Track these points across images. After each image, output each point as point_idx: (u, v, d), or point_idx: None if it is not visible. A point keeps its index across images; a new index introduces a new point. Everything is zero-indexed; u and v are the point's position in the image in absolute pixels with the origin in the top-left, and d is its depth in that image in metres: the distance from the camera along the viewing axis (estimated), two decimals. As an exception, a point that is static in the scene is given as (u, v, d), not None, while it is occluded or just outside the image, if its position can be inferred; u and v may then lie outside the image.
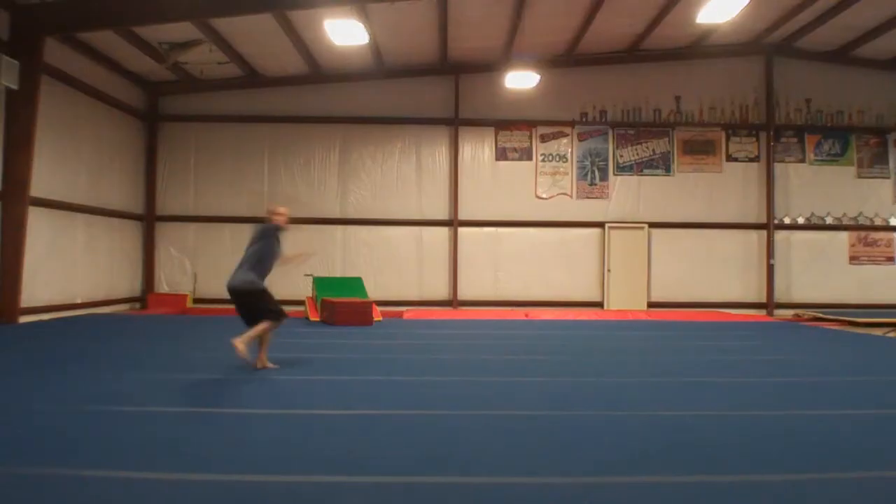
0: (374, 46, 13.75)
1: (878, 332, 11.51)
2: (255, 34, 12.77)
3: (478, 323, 12.36)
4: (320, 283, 12.83)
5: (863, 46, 14.87)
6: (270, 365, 6.51)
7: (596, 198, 15.72)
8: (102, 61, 13.18)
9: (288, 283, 15.06)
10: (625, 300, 15.41)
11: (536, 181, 15.70)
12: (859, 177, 15.95)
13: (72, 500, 3.03)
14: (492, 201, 15.57)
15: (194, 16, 11.45)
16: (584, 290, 15.57)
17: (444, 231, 15.48)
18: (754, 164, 15.84)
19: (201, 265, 15.41)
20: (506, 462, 3.62)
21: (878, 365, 7.75)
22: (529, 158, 15.72)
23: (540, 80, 14.09)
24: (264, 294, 6.49)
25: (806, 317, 14.66)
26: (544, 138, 15.77)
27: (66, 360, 7.08)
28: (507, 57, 14.73)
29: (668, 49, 15.37)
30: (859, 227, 15.89)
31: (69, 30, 11.53)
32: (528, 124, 15.70)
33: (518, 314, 14.01)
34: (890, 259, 15.86)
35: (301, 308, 13.42)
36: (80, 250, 12.94)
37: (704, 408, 5.09)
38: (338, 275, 14.64)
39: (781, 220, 15.76)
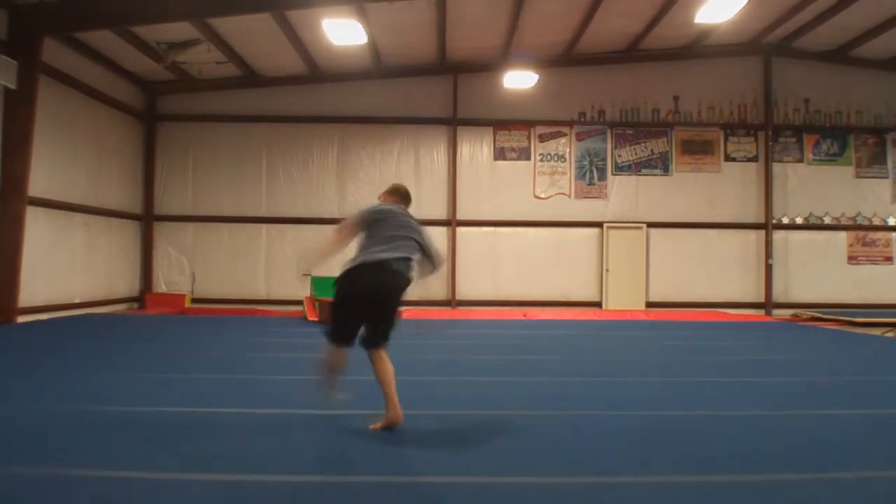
0: (373, 46, 13.74)
1: (876, 331, 11.52)
2: (253, 34, 12.76)
3: (476, 323, 12.35)
4: (318, 283, 12.80)
5: (861, 46, 14.89)
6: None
7: (594, 198, 15.73)
8: (101, 61, 13.16)
9: (286, 283, 15.15)
10: (623, 300, 15.42)
11: (535, 181, 15.70)
12: (857, 177, 15.97)
13: (71, 500, 3.02)
14: (490, 201, 15.56)
15: (192, 16, 11.44)
16: (583, 289, 15.57)
17: (442, 231, 15.46)
18: (753, 164, 15.85)
19: (199, 265, 15.40)
20: (505, 462, 3.62)
21: (877, 365, 7.75)
22: (528, 158, 15.72)
23: (538, 80, 14.11)
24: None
25: (804, 317, 14.67)
26: (543, 138, 15.77)
27: (64, 359, 7.07)
28: (505, 57, 14.74)
29: (666, 49, 15.38)
30: (857, 227, 15.90)
31: (67, 29, 11.51)
32: (527, 124, 15.70)
33: (517, 314, 14.01)
34: (888, 259, 15.88)
35: (299, 308, 13.42)
36: (79, 250, 12.93)
37: (703, 407, 5.09)
38: (336, 275, 14.60)
39: (780, 219, 15.77)
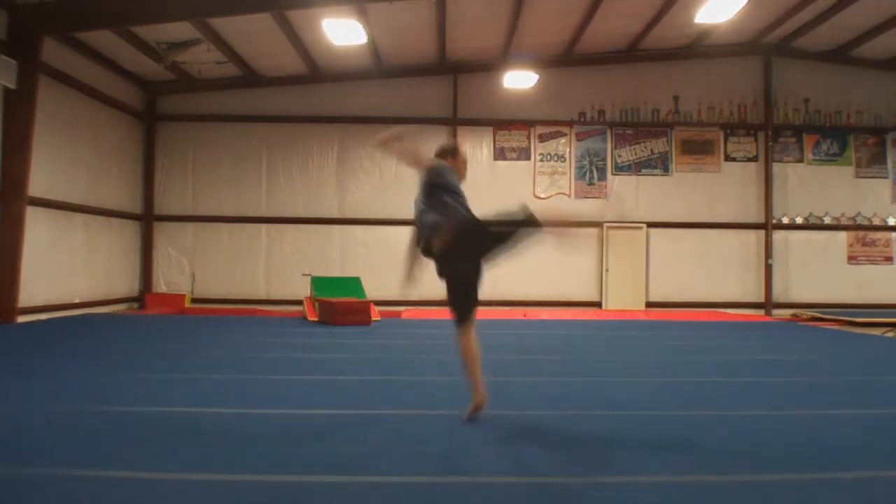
0: (373, 46, 13.74)
1: (876, 331, 11.52)
2: (253, 34, 12.76)
3: (476, 323, 12.32)
4: (318, 283, 12.82)
5: (861, 46, 14.89)
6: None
7: (594, 198, 15.73)
8: (100, 61, 13.16)
9: (286, 283, 15.16)
10: (623, 300, 15.42)
11: (535, 181, 15.70)
12: (857, 177, 15.97)
13: (70, 500, 3.02)
14: (490, 201, 15.41)
15: (192, 15, 11.44)
16: (583, 289, 15.56)
17: (442, 231, 15.45)
18: (752, 164, 15.85)
19: (199, 265, 15.40)
20: (505, 461, 3.62)
21: (877, 365, 7.75)
22: (528, 158, 15.72)
23: (538, 80, 14.10)
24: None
25: (804, 317, 14.67)
26: (542, 138, 15.77)
27: (64, 359, 7.06)
28: (505, 57, 14.73)
29: (666, 49, 15.38)
30: (857, 227, 15.90)
31: (67, 29, 11.51)
32: (527, 124, 15.70)
33: (516, 314, 14.00)
34: (888, 259, 15.88)
35: (299, 308, 13.42)
36: (79, 250, 12.93)
37: (703, 407, 5.09)
38: (336, 275, 14.63)
39: (780, 219, 15.77)
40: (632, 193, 15.76)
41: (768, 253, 15.59)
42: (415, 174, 4.76)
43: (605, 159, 15.80)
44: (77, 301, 12.77)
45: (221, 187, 15.48)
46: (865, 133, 15.97)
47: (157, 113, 15.47)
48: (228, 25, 12.36)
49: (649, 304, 15.45)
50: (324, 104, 15.49)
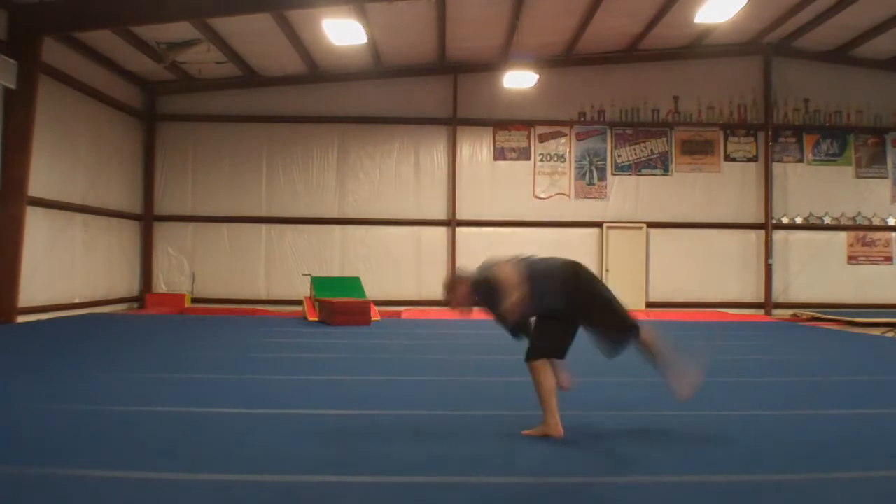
0: (373, 46, 13.74)
1: (876, 331, 11.52)
2: (253, 34, 12.75)
3: (476, 323, 12.31)
4: (318, 283, 12.83)
5: (861, 46, 14.88)
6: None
7: (594, 198, 15.72)
8: (101, 61, 13.17)
9: (286, 283, 15.16)
10: (623, 300, 15.33)
11: (535, 181, 15.70)
12: (857, 176, 15.97)
13: (70, 500, 3.02)
14: (490, 201, 15.55)
15: (192, 16, 11.44)
16: (583, 289, 15.52)
17: (442, 231, 15.47)
18: (752, 164, 15.85)
19: (199, 265, 15.40)
20: (506, 462, 3.62)
21: (877, 365, 7.75)
22: (528, 158, 15.71)
23: (538, 80, 14.09)
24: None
25: (804, 317, 14.67)
26: (542, 138, 15.77)
27: (64, 360, 7.07)
28: (505, 57, 14.72)
29: (666, 49, 15.37)
30: (857, 227, 15.90)
31: (67, 29, 11.51)
32: (527, 124, 15.70)
33: (516, 314, 13.98)
34: (888, 259, 15.88)
35: (299, 308, 13.42)
36: (79, 250, 12.93)
37: (703, 407, 5.09)
38: (336, 275, 14.63)
39: (780, 219, 15.76)
40: (632, 193, 15.76)
41: (768, 253, 15.58)
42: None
43: (605, 159, 15.79)
44: (77, 301, 12.77)
45: (221, 187, 15.48)
46: (865, 133, 15.96)
47: (157, 113, 15.47)
48: (228, 25, 12.36)
49: (649, 304, 15.45)
50: (324, 104, 15.49)
